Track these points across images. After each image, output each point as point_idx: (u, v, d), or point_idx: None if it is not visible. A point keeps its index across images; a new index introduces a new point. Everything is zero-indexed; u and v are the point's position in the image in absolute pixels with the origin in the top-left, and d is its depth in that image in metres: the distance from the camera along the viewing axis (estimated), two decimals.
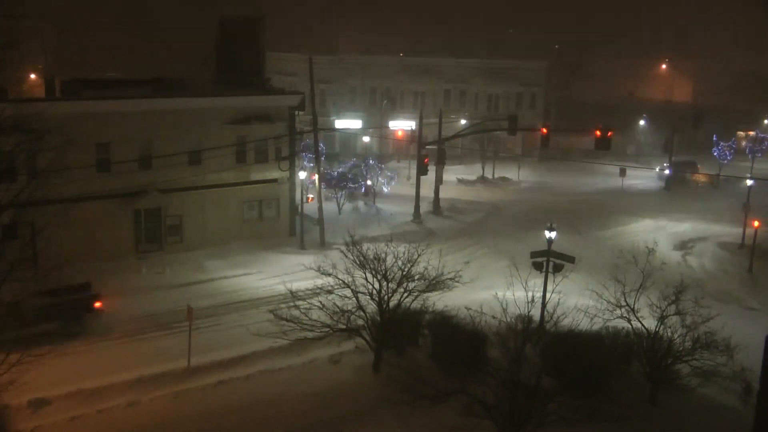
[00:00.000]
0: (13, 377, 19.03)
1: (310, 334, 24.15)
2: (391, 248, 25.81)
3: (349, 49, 79.41)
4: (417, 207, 49.24)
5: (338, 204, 49.60)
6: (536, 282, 25.62)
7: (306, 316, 24.35)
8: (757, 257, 42.33)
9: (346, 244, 26.35)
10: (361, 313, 24.85)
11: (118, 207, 37.23)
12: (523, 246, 39.91)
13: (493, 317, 22.03)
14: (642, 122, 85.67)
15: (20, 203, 21.56)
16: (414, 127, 63.89)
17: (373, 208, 51.42)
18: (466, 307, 24.98)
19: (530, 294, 21.50)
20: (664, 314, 23.99)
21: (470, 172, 67.22)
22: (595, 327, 24.81)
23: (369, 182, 54.41)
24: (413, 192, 49.93)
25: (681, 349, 23.57)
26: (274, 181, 42.38)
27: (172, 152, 37.01)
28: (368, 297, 24.87)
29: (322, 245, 41.00)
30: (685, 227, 52.05)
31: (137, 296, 32.59)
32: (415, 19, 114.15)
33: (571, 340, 22.46)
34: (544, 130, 44.25)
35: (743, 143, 73.35)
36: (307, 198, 45.77)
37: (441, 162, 52.49)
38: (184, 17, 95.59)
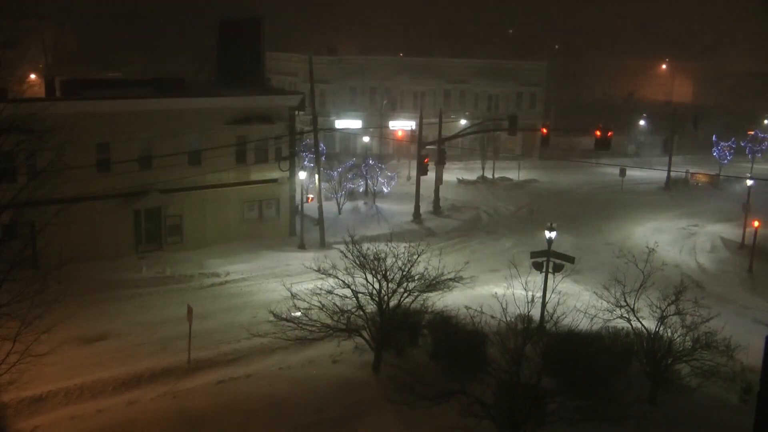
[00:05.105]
0: (13, 377, 19.04)
1: (310, 334, 24.15)
2: (391, 248, 25.80)
3: (349, 49, 79.50)
4: (417, 207, 49.25)
5: (338, 204, 49.60)
6: (536, 281, 25.65)
7: (306, 316, 24.37)
8: (757, 257, 42.33)
9: (346, 244, 26.35)
10: (361, 313, 24.84)
11: (118, 207, 37.23)
12: (524, 246, 40.04)
13: (492, 317, 22.02)
14: (642, 122, 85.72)
15: (20, 203, 21.53)
16: (414, 127, 63.90)
17: (373, 208, 51.42)
18: (466, 307, 24.97)
19: (530, 294, 21.49)
20: (664, 314, 23.98)
21: (470, 172, 67.23)
22: (595, 327, 24.81)
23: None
24: (413, 192, 49.93)
25: (681, 349, 23.54)
26: (274, 181, 42.38)
27: (172, 152, 37.02)
28: (368, 297, 24.86)
29: (322, 245, 41.00)
30: (684, 227, 52.05)
31: (137, 296, 32.64)
32: (416, 19, 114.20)
33: (571, 340, 22.44)
34: (544, 130, 44.25)
35: (742, 143, 73.35)
36: (307, 198, 45.78)
37: (441, 162, 52.50)
38: (184, 17, 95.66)
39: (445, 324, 25.59)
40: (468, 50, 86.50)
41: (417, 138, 51.85)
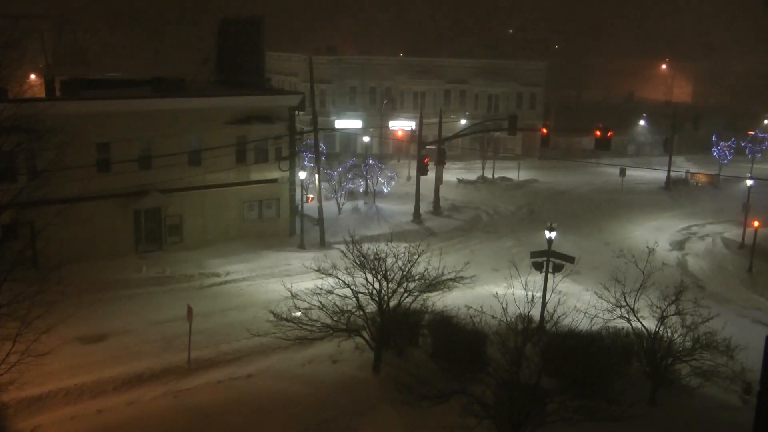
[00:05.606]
0: (14, 377, 19.05)
1: (310, 334, 24.16)
2: (391, 248, 25.80)
3: (349, 49, 79.55)
4: (417, 207, 49.24)
5: (338, 204, 49.60)
6: (536, 281, 25.65)
7: (306, 316, 24.37)
8: (757, 257, 42.33)
9: (346, 244, 26.36)
10: (361, 313, 24.85)
11: (118, 207, 37.23)
12: (524, 246, 40.05)
13: (493, 317, 22.02)
14: (642, 122, 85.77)
15: (20, 203, 21.57)
16: (414, 127, 63.89)
17: (373, 208, 51.43)
18: (466, 306, 24.97)
19: (530, 294, 21.50)
20: (664, 314, 23.99)
21: (470, 172, 67.22)
22: (596, 327, 24.81)
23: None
24: (413, 192, 49.93)
25: (681, 349, 23.56)
26: (274, 181, 42.37)
27: (172, 152, 37.00)
28: (368, 297, 24.87)
29: (322, 245, 41.01)
30: (684, 227, 52.06)
31: (137, 296, 32.64)
32: (416, 19, 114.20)
33: (571, 340, 22.44)
34: (544, 130, 44.25)
35: (742, 143, 73.36)
36: (307, 198, 45.76)
37: (441, 162, 52.51)
38: (185, 17, 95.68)
39: (445, 324, 25.59)
40: (468, 50, 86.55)
41: (417, 138, 51.85)
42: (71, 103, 36.27)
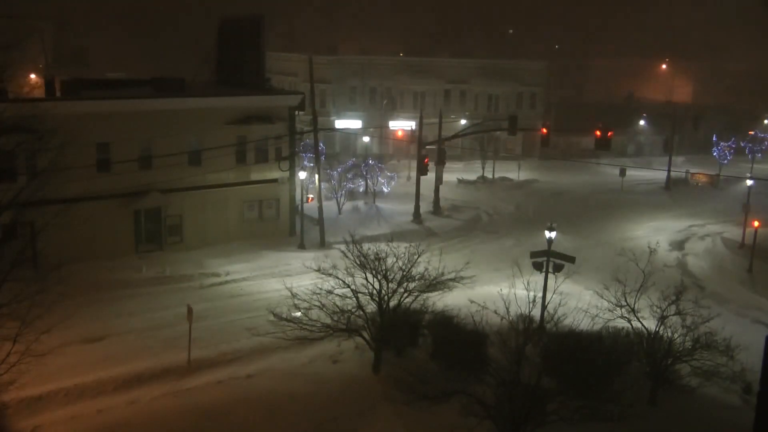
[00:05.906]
0: (13, 377, 19.05)
1: (310, 334, 24.16)
2: (391, 248, 25.80)
3: (349, 49, 79.52)
4: (417, 207, 49.23)
5: (338, 204, 49.60)
6: (537, 281, 25.65)
7: (306, 315, 24.37)
8: (757, 257, 42.33)
9: (346, 244, 26.36)
10: (361, 313, 24.85)
11: (118, 207, 37.23)
12: (524, 246, 40.04)
13: (495, 312, 22.02)
14: (642, 122, 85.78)
15: (20, 203, 21.56)
16: (414, 127, 63.89)
17: (373, 208, 51.43)
18: (470, 300, 24.92)
19: (531, 294, 21.49)
20: (665, 314, 23.99)
21: (470, 172, 67.22)
22: (596, 327, 24.81)
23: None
24: (413, 192, 49.93)
25: (681, 349, 23.56)
26: (274, 181, 42.38)
27: (172, 152, 37.01)
28: (368, 297, 24.87)
29: (322, 245, 41.01)
30: (684, 227, 52.05)
31: (137, 296, 32.64)
32: (416, 19, 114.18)
33: (571, 340, 22.44)
34: (544, 130, 44.26)
35: (742, 143, 73.37)
36: (307, 198, 45.76)
37: (441, 162, 52.51)
38: (185, 17, 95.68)
39: (446, 324, 25.59)
40: (468, 50, 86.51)
41: (417, 138, 51.85)
42: (71, 103, 36.26)
